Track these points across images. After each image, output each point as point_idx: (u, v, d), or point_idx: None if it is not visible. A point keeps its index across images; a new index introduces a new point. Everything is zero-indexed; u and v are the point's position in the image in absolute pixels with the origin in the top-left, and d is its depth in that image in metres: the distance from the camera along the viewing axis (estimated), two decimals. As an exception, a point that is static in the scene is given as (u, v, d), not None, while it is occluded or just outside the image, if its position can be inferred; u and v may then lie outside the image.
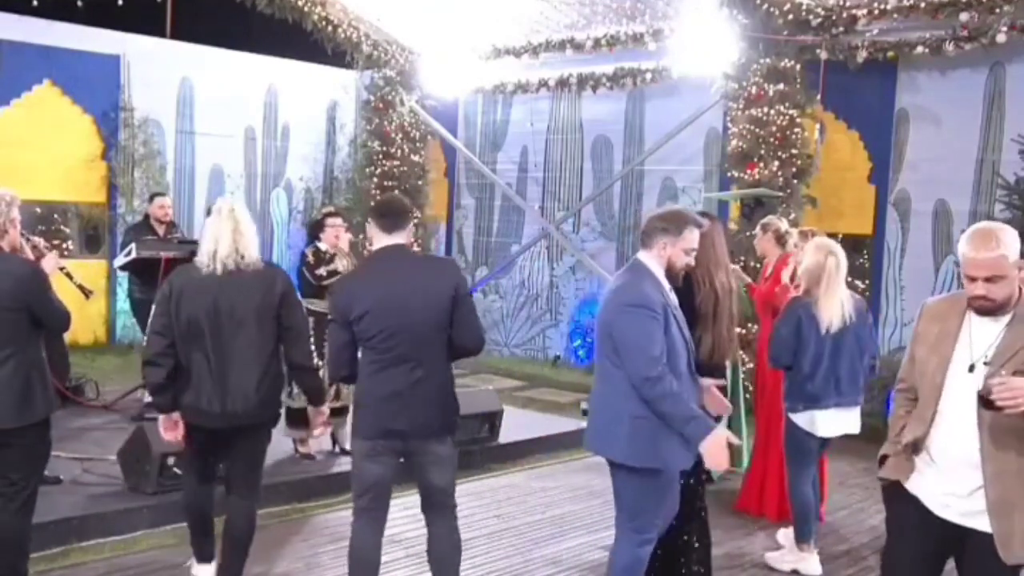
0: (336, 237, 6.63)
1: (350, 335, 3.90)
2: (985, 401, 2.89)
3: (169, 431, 4.27)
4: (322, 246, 6.63)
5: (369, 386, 3.93)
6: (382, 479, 3.97)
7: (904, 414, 3.33)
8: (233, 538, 4.27)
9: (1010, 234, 3.07)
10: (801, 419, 5.08)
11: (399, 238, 4.00)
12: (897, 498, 3.31)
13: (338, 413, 6.66)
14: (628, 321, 3.83)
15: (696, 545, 4.49)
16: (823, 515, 5.83)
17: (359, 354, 3.99)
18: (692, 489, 4.41)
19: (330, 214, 6.90)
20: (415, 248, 4.19)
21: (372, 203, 4.35)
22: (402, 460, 4.00)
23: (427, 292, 3.88)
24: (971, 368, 3.07)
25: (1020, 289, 3.09)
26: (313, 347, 6.55)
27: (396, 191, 11.91)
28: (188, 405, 4.19)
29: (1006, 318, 3.08)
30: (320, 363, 4.32)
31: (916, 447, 3.22)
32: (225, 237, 4.11)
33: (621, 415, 3.87)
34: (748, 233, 7.49)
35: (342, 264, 6.58)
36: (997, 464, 3.00)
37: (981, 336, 3.10)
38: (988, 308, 3.07)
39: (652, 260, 4.00)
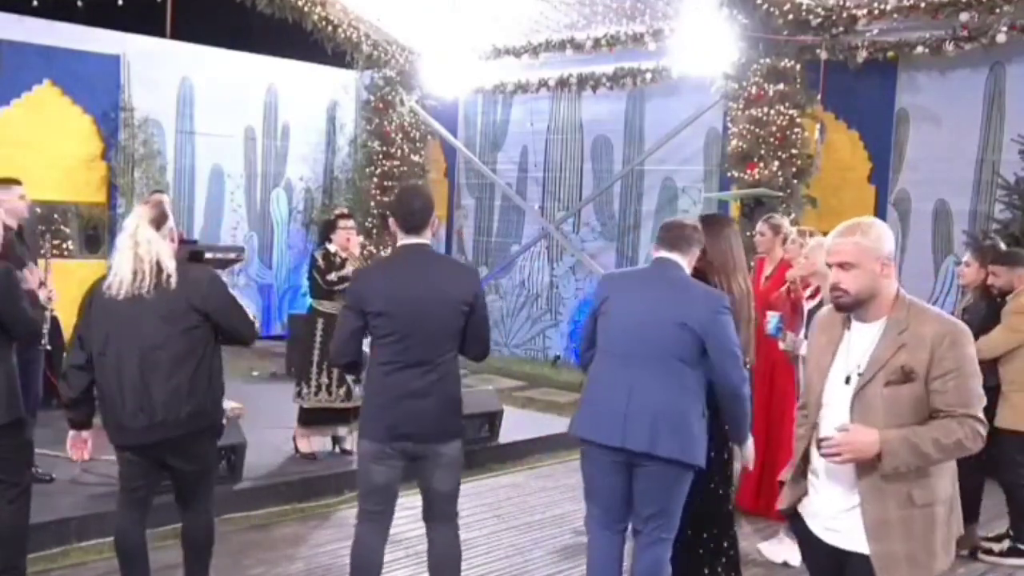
0: (347, 240, 6.60)
1: (361, 323, 3.89)
2: (819, 448, 2.81)
3: (77, 449, 4.05)
4: (332, 248, 6.61)
5: (381, 387, 3.92)
6: (390, 483, 3.97)
7: (804, 433, 3.16)
8: (190, 548, 4.13)
9: (880, 228, 2.94)
10: None
11: (422, 237, 3.99)
12: (798, 529, 3.14)
13: (353, 413, 6.64)
14: (727, 324, 3.94)
15: (732, 553, 4.52)
16: None
17: (368, 351, 4.00)
18: (725, 495, 4.46)
19: (343, 215, 6.88)
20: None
21: (395, 197, 4.18)
22: (411, 462, 3.99)
23: (443, 298, 3.87)
24: (847, 379, 2.92)
25: (898, 293, 2.93)
26: (318, 351, 6.58)
27: (396, 192, 11.93)
28: (104, 421, 3.94)
29: (878, 325, 2.91)
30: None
31: (803, 466, 3.08)
32: (125, 264, 3.79)
33: (693, 415, 3.92)
34: (748, 233, 7.48)
35: (352, 270, 6.54)
36: (872, 481, 2.83)
37: (858, 344, 2.94)
38: (844, 302, 2.92)
39: (687, 265, 4.11)
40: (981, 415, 2.84)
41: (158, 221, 3.89)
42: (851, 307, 2.92)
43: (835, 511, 2.94)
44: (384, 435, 3.89)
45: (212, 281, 3.96)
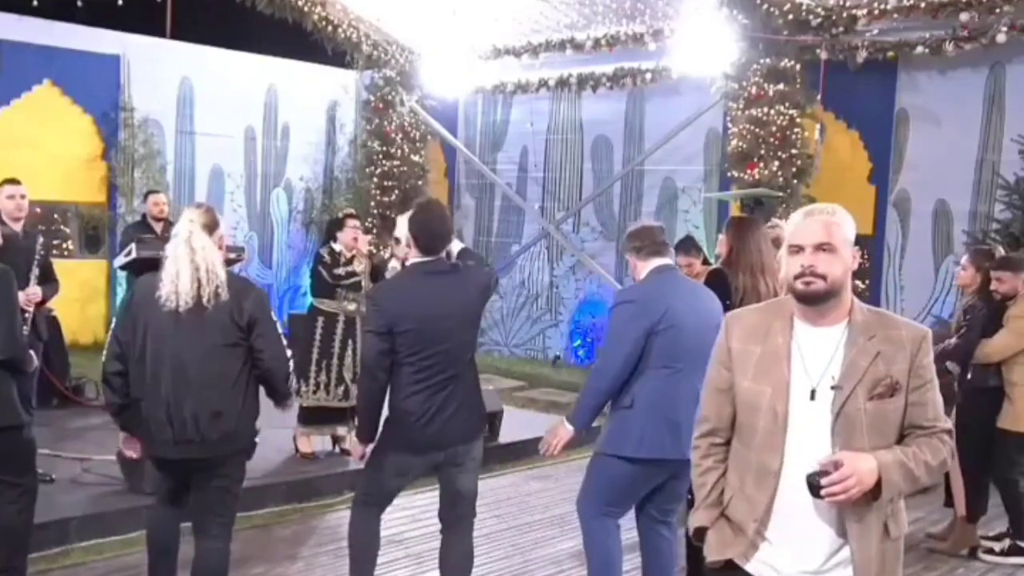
0: (354, 238, 6.65)
1: (391, 344, 3.86)
2: (814, 488, 2.34)
3: (129, 447, 3.99)
4: (337, 247, 6.63)
5: (410, 404, 3.92)
6: (400, 489, 4.14)
7: (713, 465, 2.61)
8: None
9: (847, 214, 2.52)
10: None
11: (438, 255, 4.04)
12: None
13: (351, 412, 6.64)
14: None
15: None
16: None
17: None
18: None
19: (350, 215, 6.92)
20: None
21: (418, 218, 4.01)
22: (435, 469, 4.10)
23: (465, 309, 4.01)
24: (812, 394, 2.44)
25: (852, 299, 2.51)
26: (318, 349, 6.59)
27: (395, 192, 11.93)
28: (144, 431, 3.85)
29: (837, 330, 2.47)
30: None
31: (761, 523, 2.50)
32: (184, 274, 3.65)
33: None
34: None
35: (360, 267, 6.62)
36: (857, 514, 2.41)
37: (813, 352, 2.46)
38: (817, 289, 2.42)
39: None
40: (950, 426, 2.51)
41: (210, 227, 3.76)
42: (822, 297, 2.43)
43: (816, 565, 2.47)
44: (414, 449, 3.98)
45: (258, 296, 3.80)
